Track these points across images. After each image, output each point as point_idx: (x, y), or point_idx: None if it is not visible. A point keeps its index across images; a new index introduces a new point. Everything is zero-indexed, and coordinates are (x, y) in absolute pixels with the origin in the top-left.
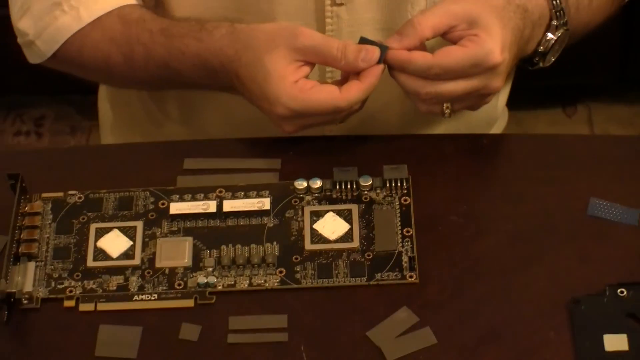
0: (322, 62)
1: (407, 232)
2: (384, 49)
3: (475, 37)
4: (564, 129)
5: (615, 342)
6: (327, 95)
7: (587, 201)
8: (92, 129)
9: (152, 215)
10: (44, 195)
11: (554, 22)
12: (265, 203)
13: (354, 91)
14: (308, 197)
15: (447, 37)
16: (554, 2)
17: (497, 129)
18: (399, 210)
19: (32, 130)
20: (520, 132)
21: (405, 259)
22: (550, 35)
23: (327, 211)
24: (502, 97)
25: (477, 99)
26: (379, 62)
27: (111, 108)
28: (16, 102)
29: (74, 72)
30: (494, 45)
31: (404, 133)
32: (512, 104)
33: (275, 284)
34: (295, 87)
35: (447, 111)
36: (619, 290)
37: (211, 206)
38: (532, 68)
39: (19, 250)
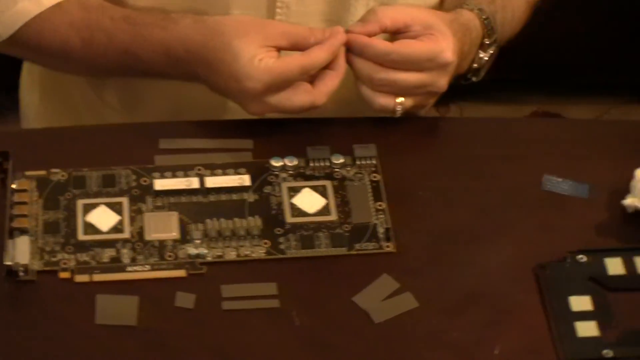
0: (292, 44)
1: (380, 205)
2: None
3: (432, 35)
4: None
5: (580, 303)
6: (292, 59)
7: (541, 177)
8: None
9: (136, 192)
10: (28, 173)
11: (486, 41)
12: (245, 179)
13: (315, 51)
14: (283, 174)
15: (401, 36)
16: (486, 22)
17: None
18: (370, 186)
19: None
20: None
21: (381, 230)
22: (482, 54)
23: (303, 187)
24: None
25: (425, 96)
26: None
27: (39, 98)
28: None
29: (28, 56)
30: (448, 45)
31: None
32: None
33: (262, 254)
34: (263, 62)
35: (399, 108)
36: (578, 257)
37: (194, 182)
38: (466, 83)
39: (11, 225)
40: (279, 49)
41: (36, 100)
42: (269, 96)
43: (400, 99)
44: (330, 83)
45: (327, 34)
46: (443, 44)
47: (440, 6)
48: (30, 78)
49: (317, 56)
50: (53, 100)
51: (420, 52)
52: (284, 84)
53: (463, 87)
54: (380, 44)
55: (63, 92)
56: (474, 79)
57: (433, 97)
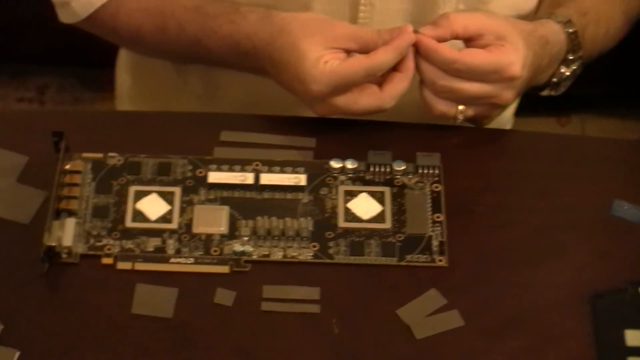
0: (359, 47)
1: (438, 217)
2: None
3: (502, 47)
4: None
5: (637, 337)
6: (357, 61)
7: (610, 201)
8: (95, 101)
9: (189, 183)
10: (84, 155)
11: (570, 56)
12: (301, 179)
13: (381, 53)
14: (342, 177)
15: (472, 44)
16: (571, 36)
17: None
18: (429, 196)
19: (35, 97)
20: None
21: (435, 242)
22: (563, 69)
23: (361, 192)
24: (510, 107)
25: (487, 107)
26: None
27: (132, 79)
28: (19, 70)
29: (105, 36)
30: (517, 58)
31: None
32: None
33: (309, 257)
34: (328, 64)
35: (460, 116)
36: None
37: (248, 178)
38: (542, 94)
39: (59, 206)
40: (346, 51)
41: (129, 81)
42: (334, 98)
43: (461, 107)
44: (398, 86)
45: (395, 33)
46: (512, 56)
47: (533, 15)
48: (125, 58)
49: (382, 58)
50: (143, 82)
51: (486, 64)
52: (349, 86)
53: (588, 98)
54: (446, 50)
55: (152, 75)
56: (552, 93)
57: (496, 109)
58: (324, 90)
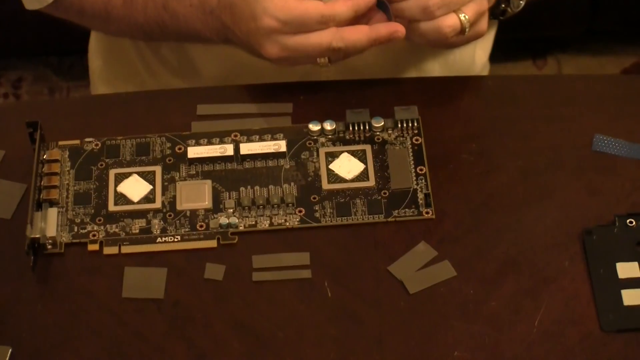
0: None
1: (421, 170)
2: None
3: None
4: None
5: (628, 269)
6: (313, 4)
7: (592, 137)
8: (70, 89)
9: (169, 160)
10: (61, 143)
11: None
12: (281, 145)
13: (339, 4)
14: (322, 139)
15: None
16: None
17: None
18: (411, 150)
19: (11, 92)
20: None
21: (420, 196)
22: None
23: (342, 152)
24: (482, 53)
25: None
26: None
27: (104, 61)
28: None
29: (71, 17)
30: None
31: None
32: None
33: (296, 223)
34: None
35: (467, 24)
36: (627, 221)
37: (228, 149)
38: (504, 18)
39: (40, 197)
40: None
41: (101, 65)
42: (285, 36)
43: (462, 15)
44: (357, 33)
45: None
46: None
47: None
48: (95, 42)
49: (339, 8)
50: (116, 65)
51: None
52: (300, 27)
53: (561, 39)
54: None
55: (124, 57)
56: (509, 9)
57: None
58: (274, 24)
